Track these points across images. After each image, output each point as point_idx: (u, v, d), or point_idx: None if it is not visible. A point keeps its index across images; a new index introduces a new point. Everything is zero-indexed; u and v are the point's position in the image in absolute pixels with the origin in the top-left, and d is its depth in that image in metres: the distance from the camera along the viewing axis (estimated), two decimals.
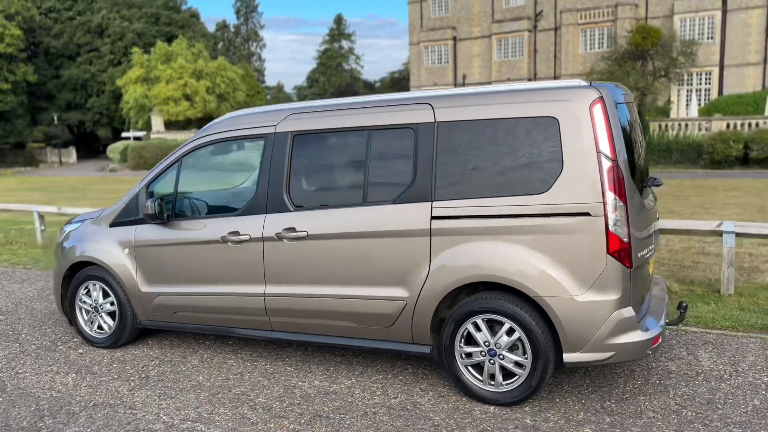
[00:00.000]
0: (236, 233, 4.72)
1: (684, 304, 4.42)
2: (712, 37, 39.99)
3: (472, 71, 48.21)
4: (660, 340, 3.93)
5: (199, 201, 5.18)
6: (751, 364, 4.59)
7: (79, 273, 5.50)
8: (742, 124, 28.06)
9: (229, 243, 4.76)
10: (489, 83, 46.75)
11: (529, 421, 3.84)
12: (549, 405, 4.05)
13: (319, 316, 4.54)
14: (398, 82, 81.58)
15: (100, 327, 5.50)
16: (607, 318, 3.75)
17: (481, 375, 4.11)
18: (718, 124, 28.68)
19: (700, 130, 29.36)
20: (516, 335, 3.96)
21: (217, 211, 5.14)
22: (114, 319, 5.42)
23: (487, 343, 4.04)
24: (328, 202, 4.49)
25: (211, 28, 78.99)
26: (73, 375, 4.90)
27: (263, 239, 4.63)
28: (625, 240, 3.73)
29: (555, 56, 45.48)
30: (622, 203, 3.72)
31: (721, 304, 5.97)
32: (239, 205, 4.90)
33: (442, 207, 4.07)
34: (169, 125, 50.48)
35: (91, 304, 5.48)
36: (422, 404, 4.14)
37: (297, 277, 4.56)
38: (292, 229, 4.52)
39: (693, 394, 4.13)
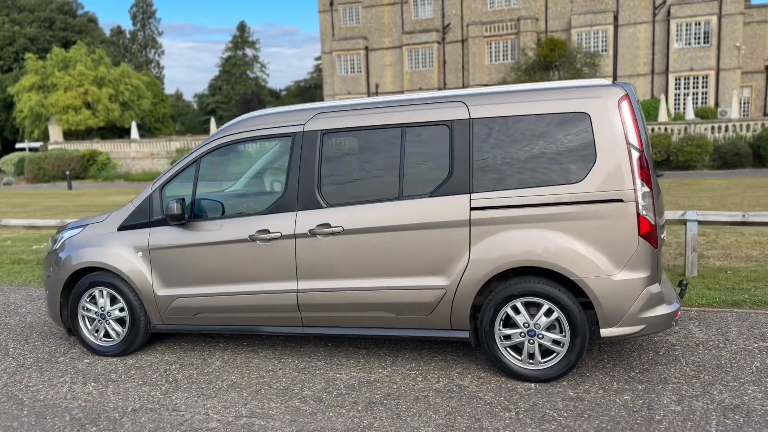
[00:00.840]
0: (266, 231, 4.76)
1: (684, 283, 4.91)
2: (606, 50, 42.98)
3: (385, 81, 49.06)
4: (679, 313, 4.37)
5: (219, 201, 5.14)
6: (737, 334, 5.16)
7: (81, 280, 5.29)
8: None
9: (257, 241, 4.78)
10: (401, 92, 47.77)
11: (572, 393, 4.17)
12: (582, 379, 4.39)
13: (355, 308, 4.66)
14: (305, 90, 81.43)
15: (106, 335, 5.32)
16: (639, 294, 4.15)
17: (520, 355, 4.39)
18: None
19: None
20: (554, 315, 4.27)
21: (240, 210, 5.12)
22: (124, 326, 5.26)
23: (526, 324, 4.33)
24: (362, 198, 4.62)
25: (105, 33, 75.37)
26: (93, 384, 4.73)
27: (295, 236, 4.70)
28: (653, 223, 4.15)
29: (463, 67, 47.20)
30: (648, 190, 4.14)
31: (690, 285, 6.61)
32: (264, 204, 4.94)
33: (480, 198, 4.33)
34: (69, 135, 47.81)
35: (97, 312, 5.29)
36: (466, 386, 4.37)
37: (332, 272, 4.66)
38: (327, 225, 4.62)
39: (701, 361, 4.62)
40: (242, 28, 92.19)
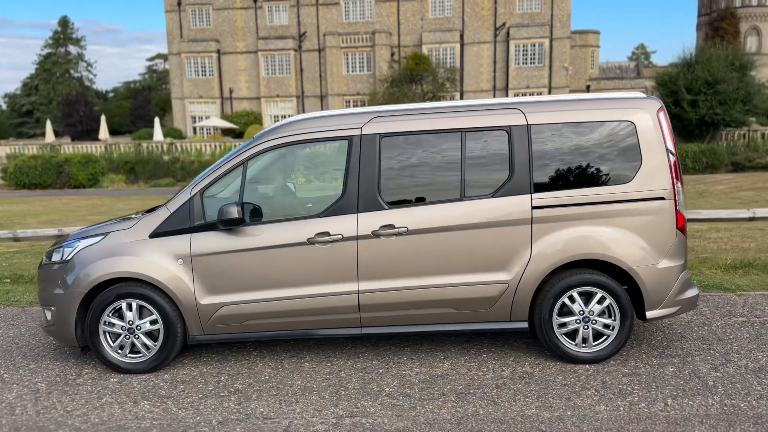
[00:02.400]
0: (325, 234, 4.75)
1: None
2: (454, 66, 45.78)
3: (240, 86, 48.00)
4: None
5: (268, 205, 5.00)
6: (711, 313, 6.06)
7: (104, 293, 4.86)
8: None
9: (316, 244, 4.76)
10: (258, 98, 47.08)
11: (626, 371, 4.70)
12: (625, 359, 4.94)
13: (416, 306, 4.82)
14: (139, 92, 76.56)
15: (133, 350, 4.94)
16: (676, 280, 4.80)
17: (574, 340, 4.84)
18: None
19: None
20: (606, 302, 4.78)
21: (291, 214, 5.02)
22: (155, 340, 4.93)
23: (581, 312, 4.79)
24: (422, 199, 4.81)
25: None
26: (146, 402, 4.41)
27: (357, 238, 4.76)
28: (685, 217, 4.82)
29: (320, 76, 47.63)
30: (681, 188, 4.80)
31: None
32: (318, 207, 4.92)
33: (541, 198, 4.73)
34: None
35: (123, 327, 4.89)
36: (532, 372, 4.73)
37: (395, 272, 4.78)
38: (391, 226, 4.74)
39: (703, 336, 5.40)
40: (65, 23, 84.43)
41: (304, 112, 47.30)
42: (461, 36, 45.83)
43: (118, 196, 26.00)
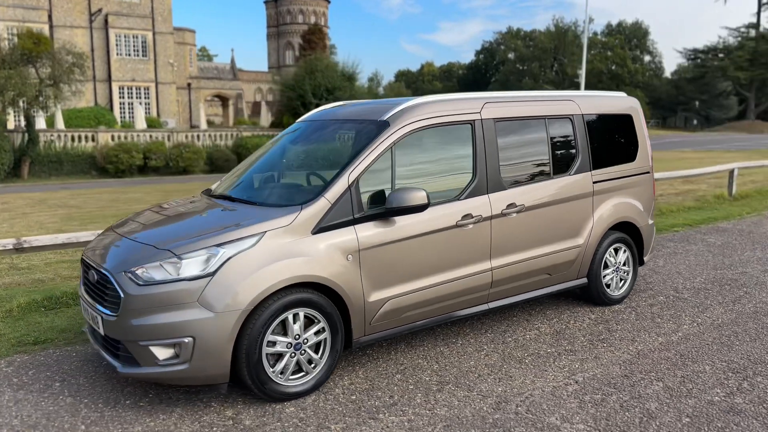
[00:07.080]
0: (469, 216, 4.84)
1: None
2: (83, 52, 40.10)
3: None
4: None
5: None
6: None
7: (268, 306, 3.87)
8: (126, 137, 30.53)
9: (461, 227, 4.81)
10: None
11: (649, 303, 6.14)
12: (630, 299, 6.35)
13: (526, 276, 5.31)
14: None
15: (294, 370, 4.08)
16: (653, 233, 6.49)
17: (609, 287, 6.06)
18: (105, 136, 30.20)
19: (87, 141, 30.09)
20: (627, 254, 6.15)
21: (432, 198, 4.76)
22: (318, 352, 4.18)
23: (614, 264, 6.05)
24: (527, 178, 5.32)
25: None
26: (385, 416, 3.81)
27: (491, 217, 5.00)
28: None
29: None
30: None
31: None
32: (453, 190, 4.88)
33: (596, 174, 5.80)
34: None
35: (288, 343, 3.99)
36: (605, 318, 5.71)
37: (515, 246, 5.17)
38: (513, 204, 5.14)
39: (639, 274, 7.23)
40: None
41: None
42: (50, 17, 40.43)
43: None
